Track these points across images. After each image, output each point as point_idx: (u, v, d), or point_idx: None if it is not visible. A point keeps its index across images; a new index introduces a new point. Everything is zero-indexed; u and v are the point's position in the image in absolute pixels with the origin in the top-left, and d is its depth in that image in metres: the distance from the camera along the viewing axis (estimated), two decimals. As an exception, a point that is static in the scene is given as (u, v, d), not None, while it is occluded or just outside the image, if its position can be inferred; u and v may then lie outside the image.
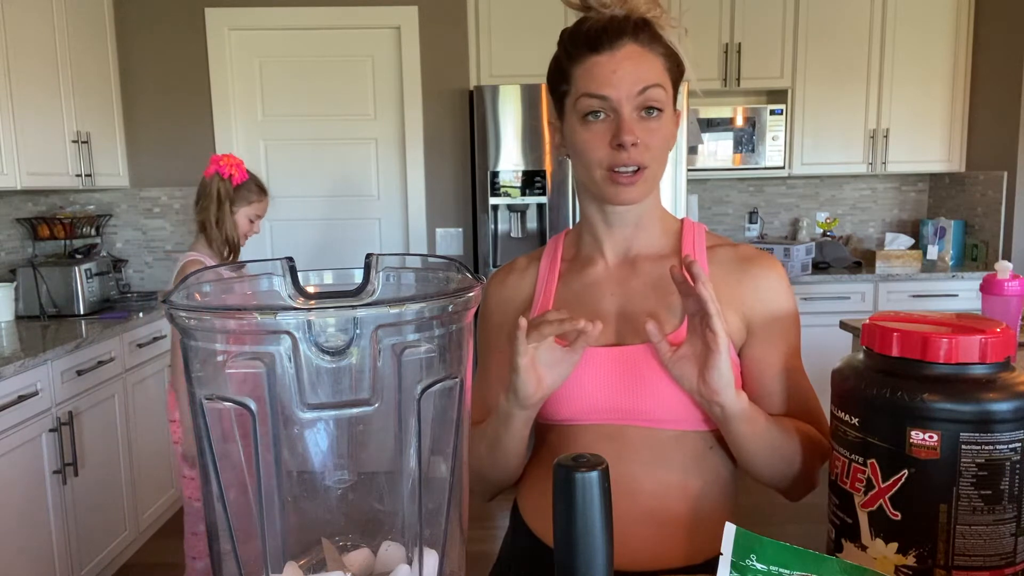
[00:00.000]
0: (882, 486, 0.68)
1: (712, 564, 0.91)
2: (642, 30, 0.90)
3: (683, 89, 1.15)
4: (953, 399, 0.64)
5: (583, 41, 0.91)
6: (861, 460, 0.69)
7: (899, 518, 0.67)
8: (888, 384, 0.67)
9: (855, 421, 0.70)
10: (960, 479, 0.64)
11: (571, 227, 1.08)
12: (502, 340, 1.03)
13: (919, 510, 0.66)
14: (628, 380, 0.92)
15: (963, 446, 0.63)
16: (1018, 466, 0.64)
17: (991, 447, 0.63)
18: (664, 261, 0.98)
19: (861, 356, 0.74)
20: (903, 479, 0.66)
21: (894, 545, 0.68)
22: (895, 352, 0.68)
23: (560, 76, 0.95)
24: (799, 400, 0.95)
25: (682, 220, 1.04)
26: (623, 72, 0.89)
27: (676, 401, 0.91)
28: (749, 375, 0.96)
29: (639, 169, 0.90)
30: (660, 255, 1.00)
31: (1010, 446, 0.63)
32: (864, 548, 0.70)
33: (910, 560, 0.67)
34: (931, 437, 0.64)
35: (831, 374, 0.76)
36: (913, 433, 0.65)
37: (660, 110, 0.91)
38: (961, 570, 0.65)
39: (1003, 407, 0.63)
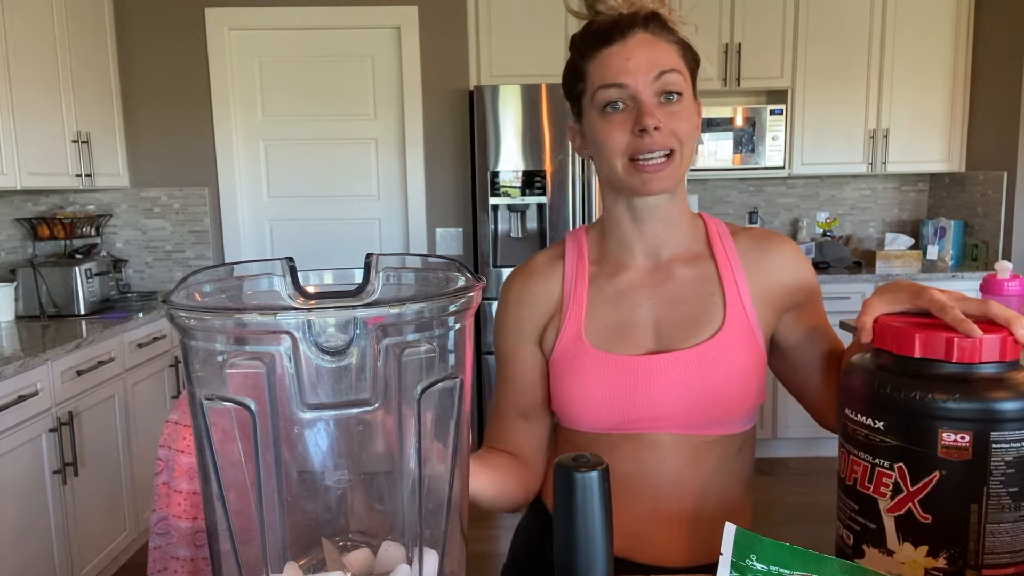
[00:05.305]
0: (911, 489, 0.67)
1: None
2: (652, 20, 0.90)
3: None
4: (982, 399, 0.64)
5: (594, 38, 0.91)
6: (887, 464, 0.68)
7: (930, 521, 0.66)
8: (917, 387, 0.66)
9: (880, 425, 0.68)
10: (991, 478, 0.64)
11: (588, 223, 1.05)
12: (522, 345, 1.00)
13: (950, 511, 0.65)
14: (665, 388, 0.92)
15: (993, 445, 0.63)
16: None
17: (1019, 444, 0.63)
18: (697, 262, 0.97)
19: (870, 357, 0.72)
20: (934, 481, 0.65)
21: (924, 548, 0.67)
22: (917, 353, 0.67)
23: (575, 76, 0.94)
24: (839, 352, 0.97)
25: (700, 215, 1.02)
26: (638, 58, 0.87)
27: (718, 408, 0.91)
28: (798, 345, 0.97)
29: (670, 154, 0.88)
30: (692, 255, 0.97)
31: None
32: (891, 553, 0.68)
33: (940, 563, 0.66)
34: (963, 438, 0.64)
35: (842, 376, 0.74)
36: (945, 435, 0.64)
37: (680, 94, 0.89)
38: (990, 568, 0.65)
39: None
